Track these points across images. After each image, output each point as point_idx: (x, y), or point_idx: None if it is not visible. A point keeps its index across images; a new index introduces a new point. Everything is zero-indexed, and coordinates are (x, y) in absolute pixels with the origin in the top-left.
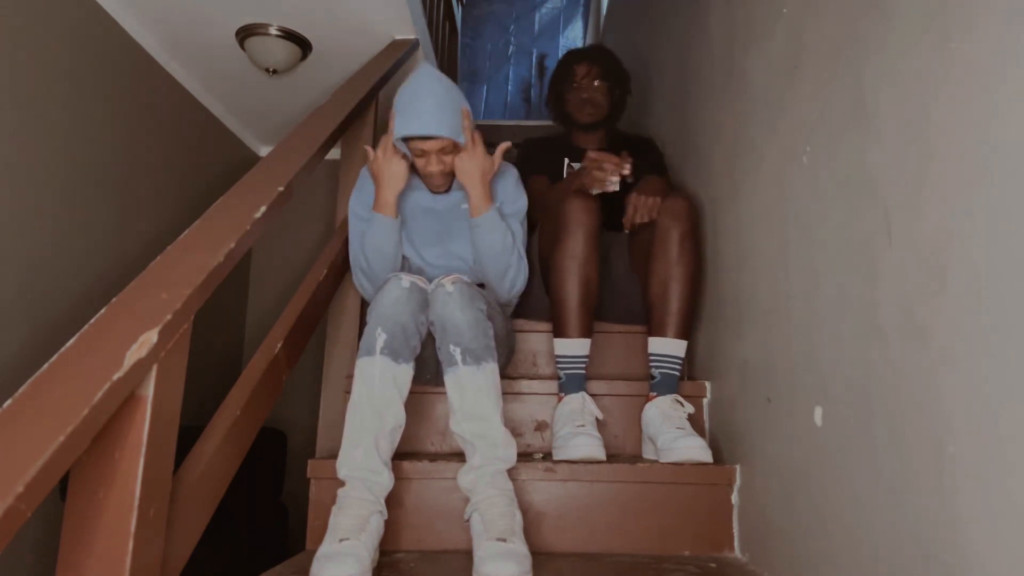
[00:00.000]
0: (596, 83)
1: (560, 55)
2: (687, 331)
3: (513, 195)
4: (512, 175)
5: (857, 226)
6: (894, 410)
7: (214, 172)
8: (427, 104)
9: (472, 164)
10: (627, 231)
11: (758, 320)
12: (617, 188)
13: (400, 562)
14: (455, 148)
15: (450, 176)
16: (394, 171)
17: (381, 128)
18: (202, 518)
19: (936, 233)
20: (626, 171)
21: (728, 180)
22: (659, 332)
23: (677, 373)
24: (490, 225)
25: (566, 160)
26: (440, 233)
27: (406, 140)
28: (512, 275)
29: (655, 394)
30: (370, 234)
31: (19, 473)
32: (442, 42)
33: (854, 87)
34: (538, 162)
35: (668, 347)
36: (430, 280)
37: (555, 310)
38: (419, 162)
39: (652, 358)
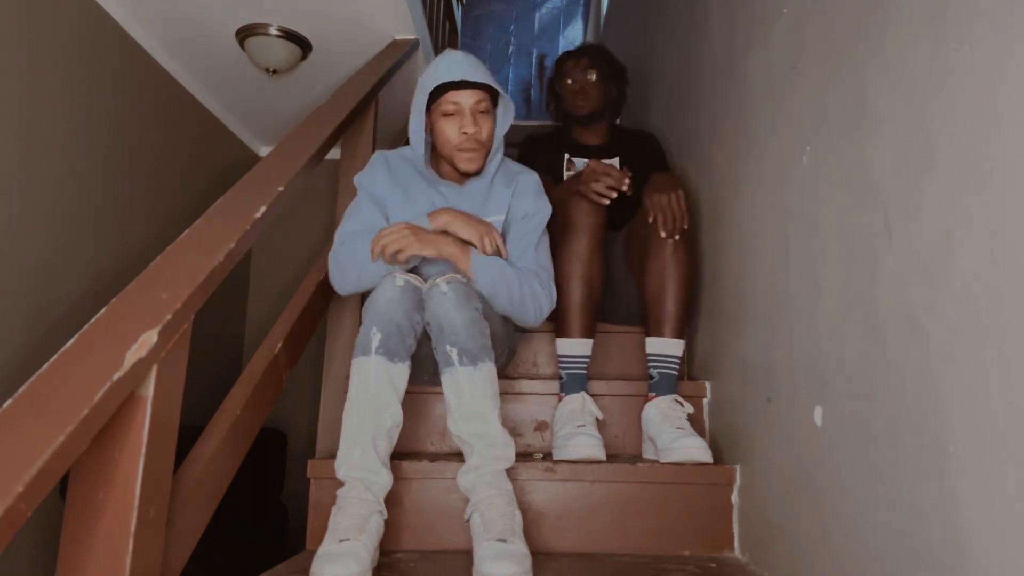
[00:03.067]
0: (586, 74)
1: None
2: (684, 330)
3: (536, 205)
4: (533, 184)
5: (857, 226)
6: (894, 410)
7: (214, 172)
8: (460, 59)
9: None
10: (667, 237)
11: (758, 320)
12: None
13: (400, 562)
14: (492, 113)
15: (484, 150)
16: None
17: (381, 128)
18: (202, 518)
19: (936, 233)
20: (625, 187)
21: (728, 180)
22: (657, 332)
23: (676, 372)
24: (486, 268)
25: (566, 156)
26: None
27: (431, 101)
28: (539, 301)
29: (654, 394)
30: (360, 252)
31: (19, 473)
32: (442, 42)
33: (854, 87)
34: (538, 157)
35: (666, 347)
36: (426, 279)
37: (558, 310)
38: (449, 126)
39: (650, 358)
